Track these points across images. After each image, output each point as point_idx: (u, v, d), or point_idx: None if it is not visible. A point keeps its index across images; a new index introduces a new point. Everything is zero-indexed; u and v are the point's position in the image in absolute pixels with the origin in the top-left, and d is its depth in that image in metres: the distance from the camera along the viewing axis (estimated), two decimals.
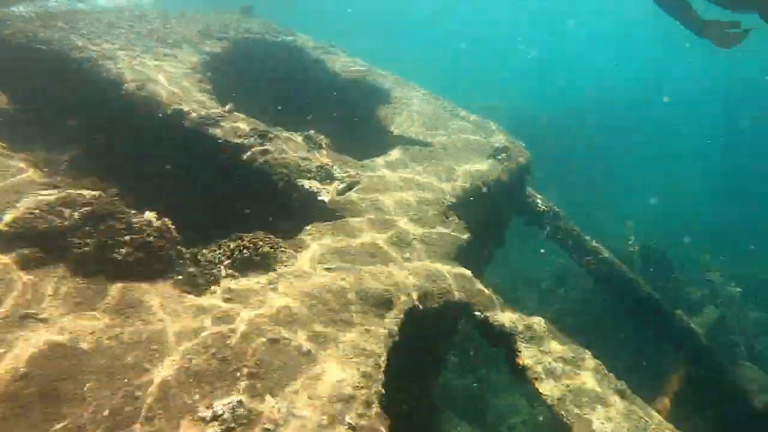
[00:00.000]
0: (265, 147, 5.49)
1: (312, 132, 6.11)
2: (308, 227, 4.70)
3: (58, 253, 3.23)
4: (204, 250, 3.76)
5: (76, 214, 3.29)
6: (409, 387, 5.32)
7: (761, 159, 27.54)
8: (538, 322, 4.83)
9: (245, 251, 3.81)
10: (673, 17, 5.63)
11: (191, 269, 3.48)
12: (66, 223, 3.29)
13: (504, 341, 4.56)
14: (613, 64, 42.93)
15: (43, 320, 2.95)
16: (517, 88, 30.69)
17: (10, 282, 3.10)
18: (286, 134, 5.93)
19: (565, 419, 4.01)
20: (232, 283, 3.64)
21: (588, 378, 4.40)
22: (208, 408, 2.67)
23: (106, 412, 2.60)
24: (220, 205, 5.13)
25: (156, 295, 3.23)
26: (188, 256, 3.60)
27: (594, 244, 7.61)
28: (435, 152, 6.68)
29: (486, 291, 4.86)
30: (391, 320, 3.93)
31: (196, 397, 2.75)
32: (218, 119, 5.47)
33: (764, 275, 15.65)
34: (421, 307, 4.29)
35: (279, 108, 7.28)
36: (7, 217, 3.32)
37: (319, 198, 5.21)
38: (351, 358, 3.46)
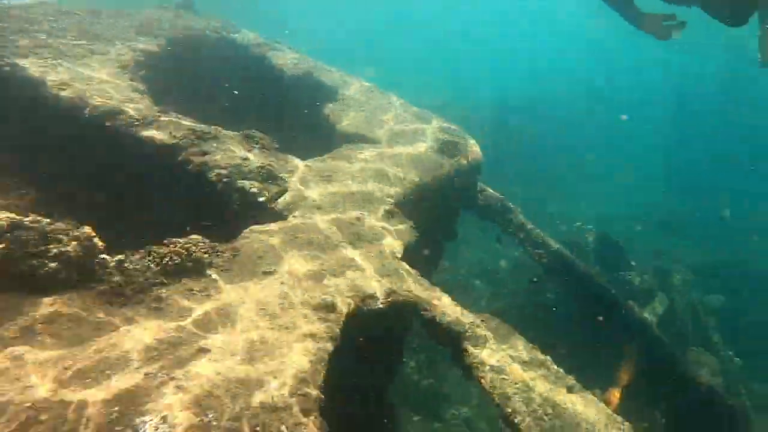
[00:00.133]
0: (203, 148, 5.34)
1: (253, 131, 5.98)
2: (247, 230, 4.59)
3: None
4: (132, 258, 3.61)
5: None
6: (362, 389, 5.27)
7: (711, 151, 28.41)
8: (486, 318, 4.83)
9: (176, 257, 3.67)
10: (616, 12, 5.82)
11: (116, 278, 3.33)
12: None
13: (451, 340, 4.54)
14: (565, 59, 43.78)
15: None
16: (471, 83, 30.92)
17: None
18: (225, 134, 5.79)
19: (512, 417, 4.00)
20: (163, 291, 3.51)
21: (536, 374, 4.41)
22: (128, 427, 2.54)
23: None
24: (153, 209, 4.95)
25: (75, 308, 3.07)
26: (113, 264, 3.45)
27: (545, 236, 7.68)
28: (381, 148, 6.61)
29: (434, 289, 4.83)
30: (333, 324, 3.85)
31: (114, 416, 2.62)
32: (152, 120, 5.28)
33: (713, 262, 16.22)
34: (365, 308, 4.22)
35: (221, 107, 7.11)
36: None
37: (260, 199, 5.09)
38: (289, 365, 3.37)
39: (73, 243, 3.20)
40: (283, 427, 2.98)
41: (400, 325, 4.80)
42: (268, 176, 5.37)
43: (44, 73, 5.60)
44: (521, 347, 4.63)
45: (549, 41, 51.08)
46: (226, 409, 2.88)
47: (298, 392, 3.20)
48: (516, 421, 3.99)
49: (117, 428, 2.56)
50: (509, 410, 4.03)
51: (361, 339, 4.39)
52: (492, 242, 11.29)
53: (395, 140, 7.02)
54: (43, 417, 2.55)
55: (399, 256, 4.96)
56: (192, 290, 3.63)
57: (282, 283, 4.06)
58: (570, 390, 4.39)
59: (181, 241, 3.84)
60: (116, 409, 2.65)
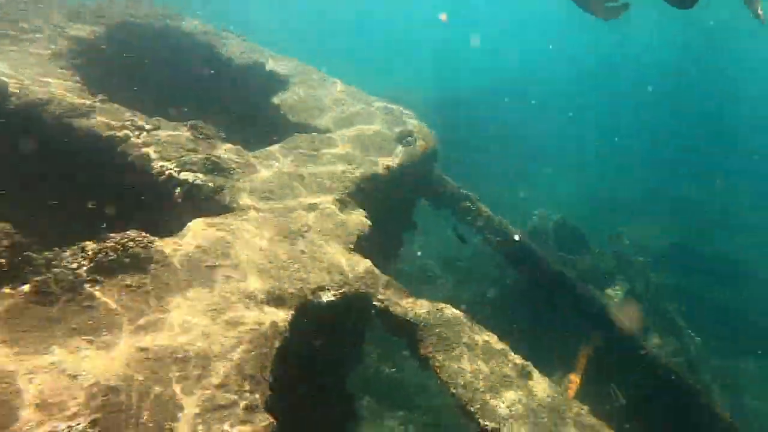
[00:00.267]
0: (144, 139, 5.15)
1: (199, 121, 5.81)
2: (191, 223, 4.44)
3: None
4: (62, 255, 3.44)
5: None
6: (321, 380, 5.18)
7: (669, 134, 29.08)
8: (443, 308, 4.78)
9: (111, 253, 3.51)
10: None
11: (43, 277, 3.16)
12: None
13: (406, 330, 4.48)
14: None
15: None
16: (429, 71, 30.95)
17: None
18: (169, 124, 5.61)
19: (469, 406, 3.97)
20: (96, 290, 3.35)
21: (494, 362, 4.39)
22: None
23: None
24: (88, 204, 4.75)
25: None
26: (41, 262, 3.28)
27: (504, 223, 7.69)
28: (334, 138, 6.51)
29: (388, 279, 4.77)
30: (282, 317, 3.75)
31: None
32: (87, 110, 5.07)
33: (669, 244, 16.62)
34: (315, 301, 4.14)
35: (165, 97, 6.89)
36: None
37: (205, 191, 4.94)
38: (235, 360, 3.26)
39: None
40: (226, 425, 2.88)
41: (354, 316, 4.71)
42: (213, 167, 5.22)
43: None
44: (478, 336, 4.60)
45: (505, 32, 51.62)
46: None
47: (243, 389, 3.10)
48: (472, 410, 3.97)
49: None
50: (465, 399, 4.00)
51: (314, 331, 4.31)
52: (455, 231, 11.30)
53: (347, 128, 6.92)
54: None
55: (351, 246, 4.88)
56: (129, 287, 3.49)
57: (227, 276, 3.94)
58: (528, 376, 4.38)
59: (116, 236, 3.68)
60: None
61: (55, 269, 3.21)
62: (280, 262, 4.29)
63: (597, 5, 5.38)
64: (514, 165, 20.59)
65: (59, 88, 5.18)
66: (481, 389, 4.09)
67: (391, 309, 4.49)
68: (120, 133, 5.02)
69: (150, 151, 5.07)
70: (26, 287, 3.06)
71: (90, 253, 3.44)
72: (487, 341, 4.58)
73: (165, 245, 4.02)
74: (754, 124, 32.80)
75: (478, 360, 4.35)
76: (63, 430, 2.42)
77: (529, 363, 4.49)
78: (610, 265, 10.82)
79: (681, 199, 21.61)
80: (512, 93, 26.91)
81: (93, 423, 2.54)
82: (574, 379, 6.55)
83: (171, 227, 4.38)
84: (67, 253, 3.44)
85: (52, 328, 3.01)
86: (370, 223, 5.34)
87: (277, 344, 3.53)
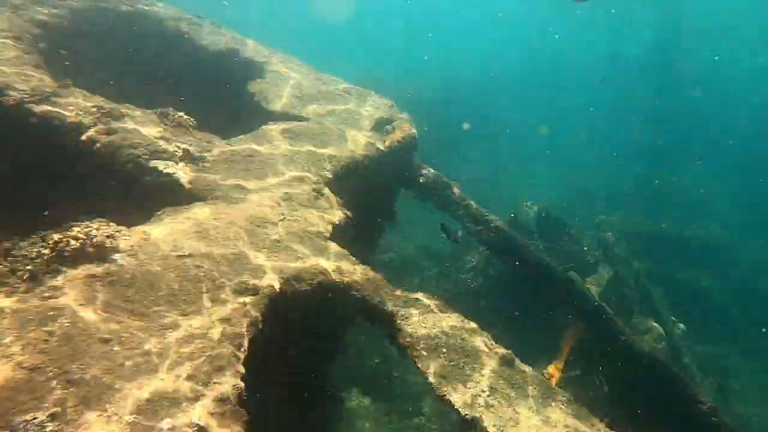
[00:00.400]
0: (110, 126, 5.02)
1: (169, 109, 5.68)
2: (160, 212, 4.34)
3: None
4: (22, 244, 3.33)
5: None
6: (302, 371, 5.12)
7: (654, 126, 29.35)
8: (422, 297, 4.73)
9: (74, 242, 3.41)
10: None
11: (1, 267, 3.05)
12: None
13: (384, 320, 4.42)
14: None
15: None
16: (417, 63, 30.96)
17: None
18: (138, 112, 5.48)
19: (448, 395, 3.92)
20: (59, 280, 3.25)
21: (475, 351, 4.34)
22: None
23: None
24: (53, 193, 4.63)
25: None
26: None
27: (485, 212, 7.64)
28: (311, 127, 6.42)
29: (366, 269, 4.70)
30: (253, 307, 3.67)
31: None
32: (50, 96, 4.93)
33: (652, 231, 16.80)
34: (289, 291, 4.06)
35: (135, 83, 6.74)
36: None
37: (176, 180, 4.83)
38: (203, 351, 3.18)
39: None
40: (195, 417, 2.80)
41: (331, 306, 4.64)
42: (184, 156, 5.11)
43: None
44: (459, 325, 4.55)
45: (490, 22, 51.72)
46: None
47: (213, 380, 3.03)
48: (452, 399, 3.92)
49: None
50: (445, 389, 3.95)
51: (291, 322, 4.24)
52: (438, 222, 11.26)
53: (325, 117, 6.84)
54: None
55: (327, 236, 4.81)
56: (94, 277, 3.39)
57: (198, 266, 3.85)
58: (509, 365, 4.34)
59: (80, 225, 3.57)
60: None
61: (15, 259, 3.10)
62: (256, 250, 4.20)
63: None
64: (495, 155, 20.68)
65: (21, 73, 5.02)
66: (460, 378, 4.04)
67: (368, 299, 4.42)
68: (85, 120, 4.88)
69: (117, 138, 4.95)
70: None
71: (51, 242, 3.33)
72: (467, 330, 4.53)
73: (133, 234, 3.92)
74: (732, 112, 33.36)
75: (458, 349, 4.30)
76: (19, 424, 2.33)
77: (510, 352, 4.46)
78: (593, 253, 10.85)
79: (662, 186, 21.83)
80: (493, 85, 27.02)
81: (52, 417, 2.45)
82: (557, 368, 6.54)
83: (140, 217, 4.27)
84: (26, 243, 3.33)
85: None
86: (348, 212, 5.28)
87: (250, 335, 3.44)
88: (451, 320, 4.57)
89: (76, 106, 4.97)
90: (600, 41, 43.78)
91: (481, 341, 4.45)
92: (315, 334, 5.15)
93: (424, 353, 4.15)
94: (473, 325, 4.62)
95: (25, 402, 2.48)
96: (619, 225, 14.74)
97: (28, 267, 3.11)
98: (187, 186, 4.83)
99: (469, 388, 4.00)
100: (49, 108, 4.80)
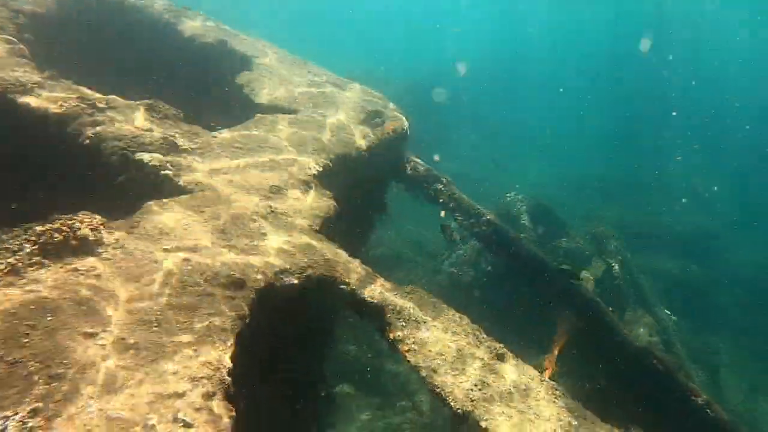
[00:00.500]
0: (96, 117, 4.96)
1: (156, 100, 5.62)
2: (145, 204, 4.28)
3: None
4: (3, 237, 3.27)
5: None
6: (292, 365, 5.09)
7: (645, 121, 29.49)
8: (413, 290, 4.71)
9: (57, 235, 3.36)
10: None
11: None
12: None
13: (375, 314, 4.39)
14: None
15: None
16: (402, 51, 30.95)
17: None
18: (124, 103, 5.41)
19: (440, 390, 3.90)
20: (42, 273, 3.19)
21: (465, 344, 4.32)
22: None
23: None
24: (37, 186, 4.57)
25: None
26: None
27: (476, 205, 7.63)
28: (299, 119, 6.38)
29: (355, 261, 4.66)
30: (240, 301, 3.63)
31: None
32: (33, 86, 4.86)
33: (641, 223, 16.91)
34: (277, 284, 4.02)
35: (122, 75, 6.66)
36: None
37: (162, 173, 4.77)
38: (192, 346, 3.14)
39: None
40: (180, 413, 2.76)
41: (320, 300, 4.61)
42: (171, 148, 5.05)
43: None
44: (449, 319, 4.53)
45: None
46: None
47: (199, 375, 2.99)
48: (444, 393, 3.90)
49: None
50: (436, 383, 3.93)
51: (279, 316, 4.21)
52: (433, 217, 11.25)
53: (314, 109, 6.79)
54: None
55: (317, 228, 4.77)
56: (77, 270, 3.34)
57: (185, 260, 3.81)
58: (501, 358, 4.33)
59: (64, 217, 3.52)
60: None
61: None
62: (242, 244, 4.16)
63: None
64: (486, 147, 20.74)
65: (3, 63, 4.95)
66: (452, 372, 4.02)
67: (358, 292, 4.39)
68: (70, 111, 4.81)
69: (102, 130, 4.88)
70: None
71: (33, 235, 3.28)
72: (459, 324, 4.51)
73: (118, 227, 3.87)
74: (717, 103, 33.63)
75: (449, 343, 4.28)
76: None
77: (502, 345, 4.44)
78: (586, 247, 10.86)
79: (650, 179, 21.96)
80: (484, 77, 27.04)
81: (33, 412, 2.41)
82: (550, 361, 6.54)
83: (125, 210, 4.22)
84: (8, 235, 3.28)
85: None
86: (336, 205, 5.24)
87: (237, 329, 3.40)
88: (445, 315, 4.55)
89: (61, 97, 4.90)
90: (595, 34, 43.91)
91: (472, 335, 4.44)
92: (304, 328, 5.11)
93: (415, 347, 4.13)
94: (465, 318, 4.61)
95: (6, 397, 2.44)
96: (610, 218, 14.81)
97: (10, 260, 3.06)
98: (174, 178, 4.77)
99: (461, 382, 3.98)
100: (34, 99, 4.73)
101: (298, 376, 5.36)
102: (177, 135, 5.26)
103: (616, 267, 10.71)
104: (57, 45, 6.14)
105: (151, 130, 5.18)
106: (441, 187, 7.60)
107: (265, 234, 4.38)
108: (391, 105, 7.57)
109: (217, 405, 2.89)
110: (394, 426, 8.87)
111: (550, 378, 6.53)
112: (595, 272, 10.02)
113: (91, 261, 3.44)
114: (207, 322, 3.33)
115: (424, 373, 4.00)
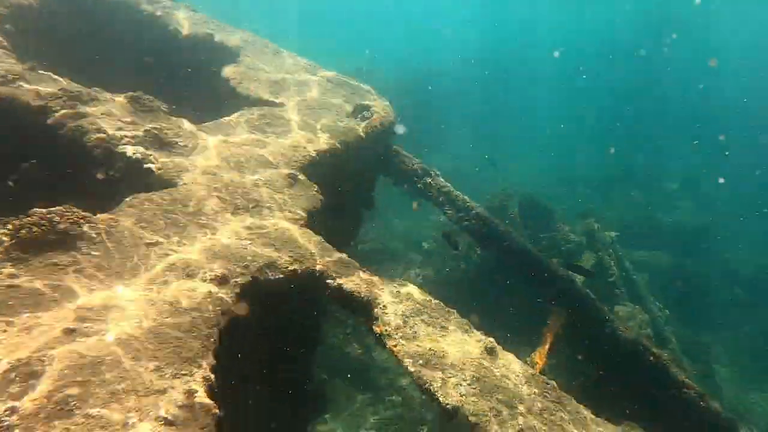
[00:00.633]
0: (78, 110, 4.89)
1: (140, 93, 5.55)
2: (129, 198, 4.23)
3: None
4: None
5: None
6: (280, 362, 5.05)
7: (645, 120, 29.60)
8: (402, 284, 4.67)
9: (36, 229, 3.30)
10: None
11: None
12: None
13: (361, 308, 4.36)
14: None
15: None
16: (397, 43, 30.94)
17: None
18: (107, 95, 5.34)
19: (427, 384, 3.87)
20: (21, 268, 3.14)
21: (453, 338, 4.29)
22: None
23: None
24: (16, 178, 4.50)
25: None
26: None
27: (466, 199, 7.59)
28: (286, 112, 6.32)
29: (342, 256, 4.62)
30: (224, 296, 3.59)
31: None
32: (14, 78, 4.78)
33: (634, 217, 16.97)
34: (262, 279, 3.98)
35: (106, 68, 6.58)
36: None
37: (145, 166, 4.71)
38: (171, 342, 3.10)
39: None
40: (162, 411, 2.72)
41: (307, 294, 4.57)
42: (155, 141, 4.99)
43: None
44: (437, 312, 4.50)
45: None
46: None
47: (182, 372, 2.95)
48: (432, 388, 3.86)
49: None
50: (424, 377, 3.90)
51: (265, 311, 4.17)
52: (424, 211, 11.26)
53: (301, 102, 6.73)
54: None
55: (302, 222, 4.73)
56: (56, 265, 3.29)
57: (167, 254, 3.76)
58: (491, 352, 4.30)
59: (42, 211, 3.46)
60: None
61: None
62: (227, 239, 4.12)
63: None
64: (484, 146, 20.75)
65: None
66: (440, 367, 3.99)
67: (345, 287, 4.35)
68: (52, 103, 4.74)
69: (85, 122, 4.82)
70: None
71: (11, 228, 3.22)
72: (447, 318, 4.49)
73: (100, 221, 3.81)
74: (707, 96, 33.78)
75: (437, 337, 4.25)
76: None
77: (492, 339, 4.42)
78: (577, 240, 10.88)
79: (643, 173, 22.04)
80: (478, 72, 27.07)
81: (11, 410, 2.36)
82: (541, 355, 6.54)
83: (107, 203, 4.16)
84: None
85: None
86: (323, 198, 5.20)
87: (221, 324, 3.37)
88: (432, 308, 4.52)
89: (42, 88, 4.83)
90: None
91: (462, 329, 4.41)
92: (291, 323, 5.07)
93: (403, 342, 4.10)
94: (454, 312, 4.58)
95: None
96: (602, 212, 14.85)
97: None
98: (157, 171, 4.72)
99: (450, 377, 3.95)
100: (15, 91, 4.66)
101: (286, 373, 5.33)
102: (161, 128, 5.19)
103: (607, 260, 10.73)
104: (39, 36, 6.04)
105: (134, 122, 5.12)
106: (430, 180, 7.56)
107: (249, 227, 4.33)
108: (379, 97, 7.51)
109: (200, 404, 2.85)
110: (386, 420, 8.87)
111: (541, 371, 6.53)
112: (585, 265, 10.02)
113: (71, 255, 3.39)
114: (190, 317, 3.29)
115: (412, 369, 3.96)
